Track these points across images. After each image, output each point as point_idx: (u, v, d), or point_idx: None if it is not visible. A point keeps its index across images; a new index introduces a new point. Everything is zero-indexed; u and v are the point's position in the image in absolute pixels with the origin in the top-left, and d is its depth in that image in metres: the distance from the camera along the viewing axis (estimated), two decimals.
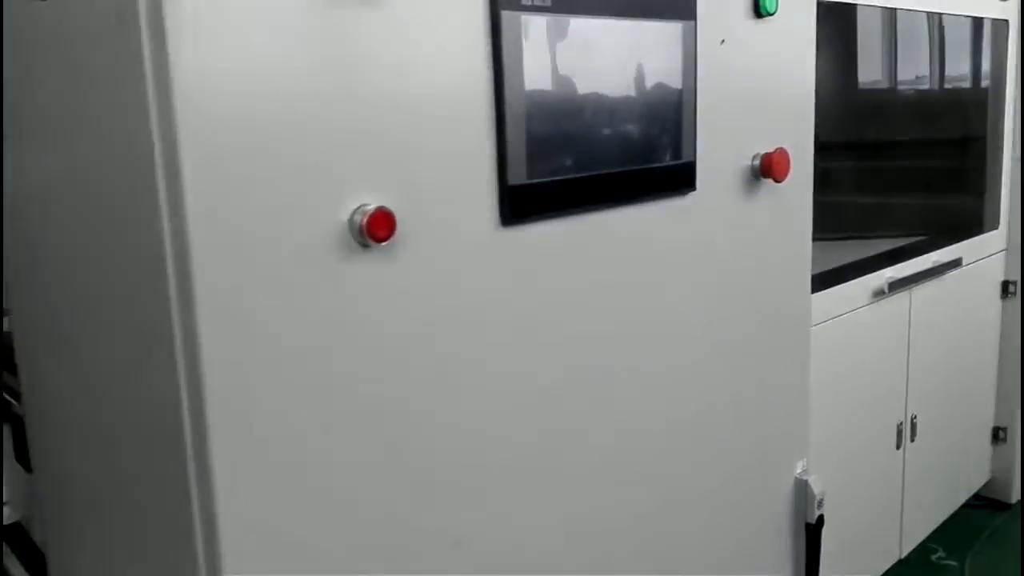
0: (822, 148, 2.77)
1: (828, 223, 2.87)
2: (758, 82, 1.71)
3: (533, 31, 1.30)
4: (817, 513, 1.98)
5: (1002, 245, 3.04)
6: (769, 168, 1.70)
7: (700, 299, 1.69)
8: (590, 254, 1.47)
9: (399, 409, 1.23)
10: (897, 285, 2.50)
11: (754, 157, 1.72)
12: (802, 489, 1.99)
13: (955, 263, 2.75)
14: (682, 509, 1.72)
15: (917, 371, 2.66)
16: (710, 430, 1.76)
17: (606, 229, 1.48)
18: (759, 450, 1.89)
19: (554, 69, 1.35)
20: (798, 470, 1.99)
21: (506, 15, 1.26)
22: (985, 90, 2.99)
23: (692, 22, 1.54)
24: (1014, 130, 2.98)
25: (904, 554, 2.76)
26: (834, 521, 2.23)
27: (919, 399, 2.69)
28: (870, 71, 2.88)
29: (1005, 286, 3.07)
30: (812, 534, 2.00)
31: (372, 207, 1.13)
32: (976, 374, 3.05)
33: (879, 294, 2.45)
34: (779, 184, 1.74)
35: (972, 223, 2.99)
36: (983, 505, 3.17)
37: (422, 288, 1.23)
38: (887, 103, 2.93)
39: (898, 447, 2.64)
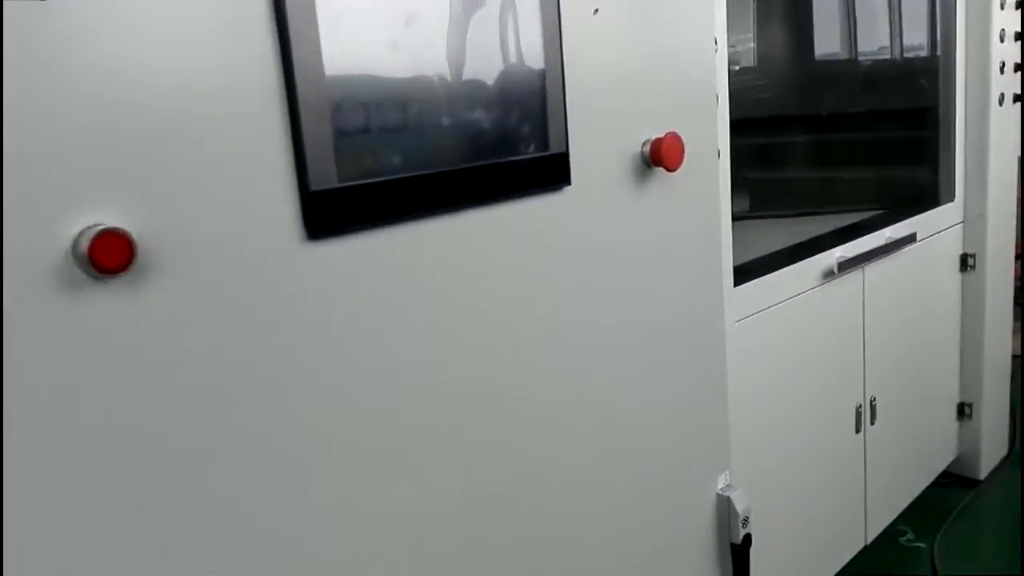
0: (774, 122, 2.52)
1: (778, 200, 2.60)
2: (644, 58, 1.37)
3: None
4: (743, 532, 1.64)
5: (959, 218, 2.71)
6: (659, 155, 1.36)
7: (588, 307, 1.36)
8: (439, 267, 1.15)
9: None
10: (848, 264, 2.18)
11: (644, 143, 1.38)
12: (724, 507, 1.64)
13: (909, 238, 2.43)
14: (591, 531, 1.42)
15: (874, 352, 2.37)
16: (615, 448, 1.44)
17: (457, 235, 1.16)
18: (672, 466, 1.56)
19: (368, 47, 1.03)
20: (720, 486, 1.66)
21: None
22: (938, 59, 2.65)
23: None
24: (966, 98, 2.62)
25: (870, 539, 2.46)
26: (794, 511, 2.02)
27: (878, 381, 2.40)
28: (826, 42, 2.58)
29: (964, 259, 2.75)
30: (739, 555, 1.66)
31: (101, 228, 0.82)
32: (937, 351, 2.74)
33: (829, 275, 2.14)
34: (673, 173, 1.40)
35: (927, 196, 2.67)
36: (951, 483, 2.87)
37: (188, 328, 0.91)
38: (840, 74, 2.63)
39: (858, 431, 2.35)
